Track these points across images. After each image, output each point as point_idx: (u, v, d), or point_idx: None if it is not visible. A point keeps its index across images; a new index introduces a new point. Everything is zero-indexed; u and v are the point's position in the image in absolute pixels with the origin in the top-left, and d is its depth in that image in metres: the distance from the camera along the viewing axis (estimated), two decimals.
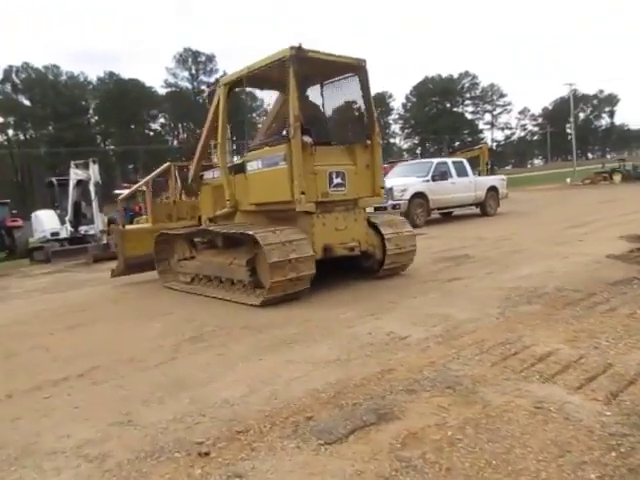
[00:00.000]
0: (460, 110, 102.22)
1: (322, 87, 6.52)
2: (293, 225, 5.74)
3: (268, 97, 7.48)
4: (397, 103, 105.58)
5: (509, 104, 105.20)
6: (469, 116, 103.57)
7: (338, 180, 5.92)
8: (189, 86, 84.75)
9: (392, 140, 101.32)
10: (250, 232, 5.44)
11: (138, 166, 74.70)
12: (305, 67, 5.63)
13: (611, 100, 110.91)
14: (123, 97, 73.57)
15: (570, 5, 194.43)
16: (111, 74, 79.42)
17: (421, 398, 2.87)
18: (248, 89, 7.11)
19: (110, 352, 4.32)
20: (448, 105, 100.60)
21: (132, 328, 5.24)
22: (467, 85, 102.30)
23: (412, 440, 2.42)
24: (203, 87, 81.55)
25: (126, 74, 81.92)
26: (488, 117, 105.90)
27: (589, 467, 2.12)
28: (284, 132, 5.73)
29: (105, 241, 12.87)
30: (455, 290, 5.62)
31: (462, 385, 3.00)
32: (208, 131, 7.18)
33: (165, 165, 8.81)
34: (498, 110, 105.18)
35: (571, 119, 66.22)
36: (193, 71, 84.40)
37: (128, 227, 8.81)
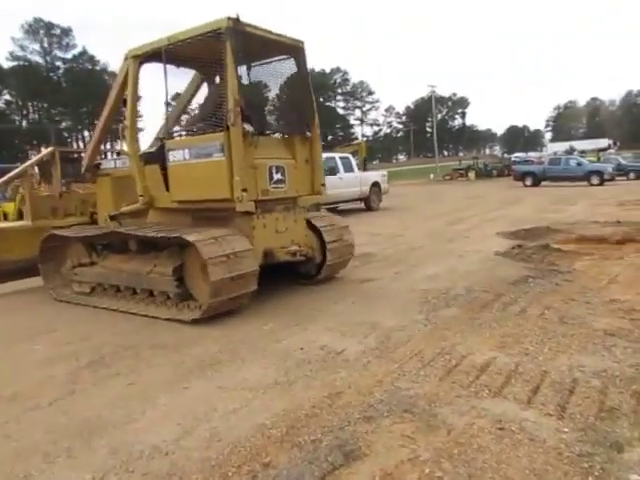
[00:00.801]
0: (332, 105, 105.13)
1: (249, 69, 5.50)
2: (227, 226, 4.98)
3: (173, 77, 6.55)
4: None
5: (377, 101, 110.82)
6: (341, 111, 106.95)
7: (278, 176, 5.25)
8: (41, 61, 75.17)
9: None
10: (189, 238, 4.51)
11: None
12: (241, 43, 4.85)
13: (463, 103, 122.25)
14: None
15: (438, 12, 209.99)
16: None
17: (382, 427, 2.67)
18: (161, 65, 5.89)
19: None
20: (321, 99, 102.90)
21: (5, 353, 4.31)
22: (339, 81, 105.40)
23: None
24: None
25: None
26: (358, 113, 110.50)
27: None
28: (214, 118, 4.92)
29: None
30: (372, 293, 5.56)
31: (419, 407, 2.86)
32: (109, 111, 6.10)
33: (47, 150, 7.37)
34: (367, 106, 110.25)
35: (433, 119, 71.85)
36: (46, 44, 74.96)
37: (1, 225, 7.22)
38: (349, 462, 2.36)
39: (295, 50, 5.62)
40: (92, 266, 5.89)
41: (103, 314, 5.33)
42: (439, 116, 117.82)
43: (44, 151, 7.44)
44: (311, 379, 3.31)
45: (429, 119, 76.33)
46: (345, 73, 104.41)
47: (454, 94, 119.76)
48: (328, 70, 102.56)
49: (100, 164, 6.60)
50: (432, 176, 41.18)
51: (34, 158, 7.27)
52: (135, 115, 5.71)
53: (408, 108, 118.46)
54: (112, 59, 77.65)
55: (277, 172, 5.23)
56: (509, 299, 5.03)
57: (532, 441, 2.49)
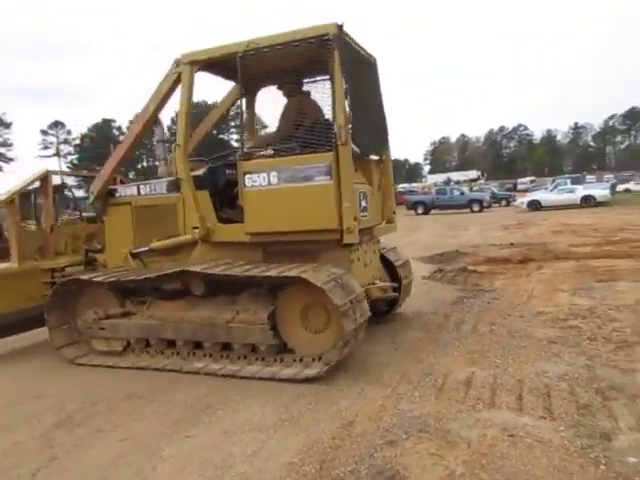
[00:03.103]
0: (226, 137, 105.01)
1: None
2: (315, 261, 4.33)
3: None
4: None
5: None
6: (235, 144, 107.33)
7: (363, 203, 4.56)
8: None
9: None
10: (314, 281, 3.76)
11: None
12: (345, 53, 4.19)
13: None
14: None
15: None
16: None
17: (407, 449, 2.79)
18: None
19: None
20: (215, 131, 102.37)
21: None
22: (232, 114, 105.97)
23: None
24: None
25: None
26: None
27: None
28: (316, 137, 4.22)
29: None
30: None
31: (430, 426, 3.02)
32: (143, 126, 5.12)
33: (39, 172, 5.74)
34: None
35: None
36: None
37: None
38: None
39: (374, 65, 5.11)
40: (127, 317, 4.78)
41: (52, 367, 4.77)
42: None
43: (34, 174, 5.77)
44: (316, 412, 3.33)
45: None
46: (238, 106, 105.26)
47: None
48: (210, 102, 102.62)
49: (115, 190, 5.43)
50: None
51: (21, 182, 5.64)
52: (188, 131, 4.89)
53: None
54: None
55: (363, 198, 4.57)
56: (457, 319, 5.46)
57: (541, 442, 2.77)
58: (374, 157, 5.10)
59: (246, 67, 4.36)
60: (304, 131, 4.33)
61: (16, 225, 5.33)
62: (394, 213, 5.42)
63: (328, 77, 4.31)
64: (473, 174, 66.66)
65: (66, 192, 6.94)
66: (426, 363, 4.11)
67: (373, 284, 4.82)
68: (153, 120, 5.17)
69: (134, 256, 5.12)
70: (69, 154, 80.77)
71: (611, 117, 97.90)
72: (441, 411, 3.22)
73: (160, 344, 4.60)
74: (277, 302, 4.18)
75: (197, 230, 4.65)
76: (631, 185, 42.63)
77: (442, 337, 4.83)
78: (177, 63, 4.75)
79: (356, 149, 4.30)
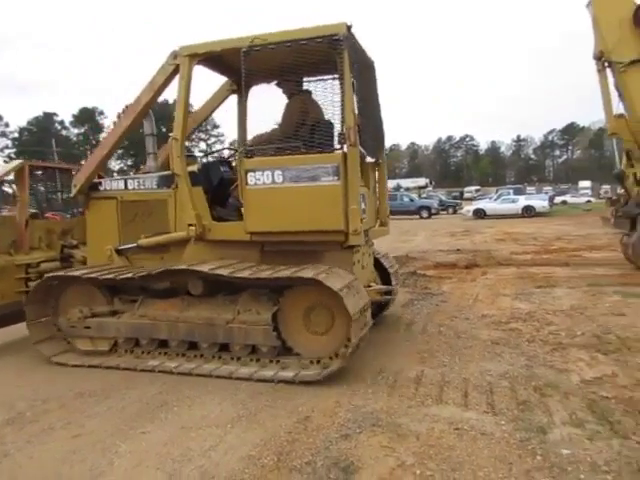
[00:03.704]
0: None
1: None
2: (318, 262, 4.27)
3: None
4: (108, 121, 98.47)
5: (222, 135, 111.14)
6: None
7: (363, 205, 4.48)
8: None
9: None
10: (333, 286, 3.68)
11: None
12: (353, 54, 4.16)
13: None
14: None
15: None
16: None
17: (360, 442, 2.92)
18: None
19: None
20: (164, 129, 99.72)
21: None
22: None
23: None
24: None
25: None
26: (203, 145, 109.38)
27: (534, 473, 2.58)
28: (324, 137, 4.20)
29: None
30: None
31: (382, 420, 3.18)
32: (134, 119, 4.93)
33: (15, 164, 5.50)
34: (212, 140, 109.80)
35: None
36: None
37: None
38: (349, 476, 2.57)
39: (374, 68, 5.08)
40: (116, 316, 4.62)
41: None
42: None
43: (10, 164, 5.53)
44: (273, 408, 3.41)
45: None
46: (190, 106, 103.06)
47: None
48: (171, 101, 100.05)
49: (99, 184, 5.18)
50: None
51: None
52: (185, 126, 4.72)
53: (232, 144, 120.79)
54: None
55: (362, 201, 4.44)
56: (408, 320, 5.69)
57: (484, 435, 2.98)
58: (370, 159, 5.07)
59: (249, 63, 4.24)
60: (309, 130, 4.28)
61: None
62: (388, 216, 5.47)
63: (332, 77, 4.30)
64: (422, 181, 68.42)
65: (6, 188, 6.65)
66: (379, 362, 4.28)
67: (369, 287, 4.85)
68: (144, 113, 5.04)
69: (119, 253, 4.95)
70: (6, 147, 76.45)
71: (550, 132, 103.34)
72: (393, 406, 3.38)
73: (151, 344, 4.48)
74: (280, 303, 4.13)
75: (193, 227, 4.52)
76: (568, 198, 45.29)
77: (394, 337, 5.02)
78: (174, 55, 4.62)
79: (362, 150, 4.31)
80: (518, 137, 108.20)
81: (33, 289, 4.66)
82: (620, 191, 10.26)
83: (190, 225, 4.52)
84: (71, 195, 5.23)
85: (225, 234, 4.56)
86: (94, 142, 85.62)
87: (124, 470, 2.70)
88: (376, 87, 5.13)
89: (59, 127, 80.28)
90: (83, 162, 5.75)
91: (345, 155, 4.07)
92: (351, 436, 2.98)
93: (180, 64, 4.57)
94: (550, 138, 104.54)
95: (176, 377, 4.06)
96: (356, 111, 4.12)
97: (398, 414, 3.27)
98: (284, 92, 4.81)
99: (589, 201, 41.95)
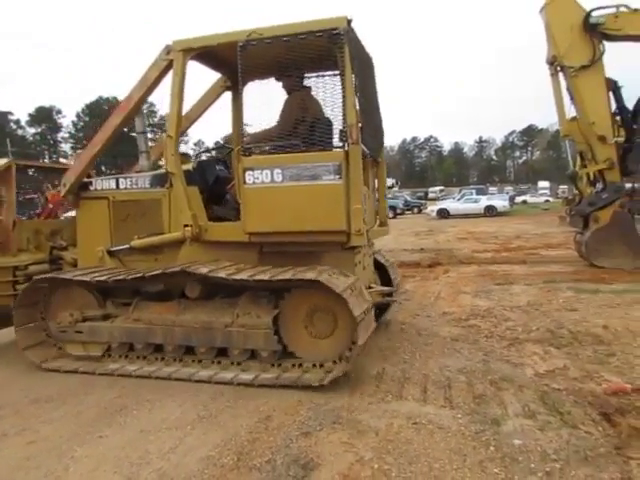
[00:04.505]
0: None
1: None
2: (318, 263, 4.17)
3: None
4: (67, 120, 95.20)
5: (186, 135, 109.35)
6: (150, 143, 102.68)
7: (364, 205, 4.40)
8: None
9: (63, 160, 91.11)
10: (336, 289, 3.57)
11: None
12: (354, 49, 4.04)
13: None
14: None
15: None
16: None
17: (321, 439, 2.95)
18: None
19: None
20: (126, 129, 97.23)
21: None
22: (145, 112, 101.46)
23: None
24: None
25: None
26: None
27: (487, 463, 2.67)
28: (324, 135, 4.08)
29: None
30: None
31: (343, 418, 3.22)
32: (126, 116, 4.73)
33: (2, 162, 5.26)
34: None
35: None
36: None
37: None
38: (308, 473, 2.60)
39: (372, 63, 4.96)
40: (109, 320, 4.44)
41: None
42: None
43: None
44: (234, 409, 3.41)
45: None
46: (151, 105, 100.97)
47: None
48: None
49: (90, 183, 5.02)
50: None
51: None
52: (180, 123, 4.53)
53: (217, 143, 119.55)
54: None
55: (363, 200, 4.31)
56: None
57: (441, 429, 3.06)
58: (369, 158, 4.90)
59: (246, 58, 4.10)
60: (309, 128, 4.17)
61: None
62: (387, 216, 5.38)
63: (332, 73, 4.24)
64: (389, 182, 69.10)
65: None
66: None
67: (370, 288, 4.78)
68: (136, 110, 4.86)
69: (111, 254, 4.81)
70: None
71: (511, 133, 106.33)
72: (354, 404, 3.43)
73: (146, 349, 4.32)
74: (281, 306, 4.01)
75: (189, 228, 4.37)
76: (528, 197, 46.73)
77: None
78: (168, 50, 4.45)
79: (364, 149, 4.22)
80: (480, 138, 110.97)
81: (22, 292, 4.45)
82: (576, 191, 10.68)
83: (186, 226, 4.39)
84: (61, 194, 5.05)
85: (222, 235, 4.43)
86: (52, 142, 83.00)
87: (80, 475, 2.65)
88: (375, 83, 5.00)
89: (14, 126, 77.37)
90: (69, 161, 5.54)
91: (347, 153, 3.97)
92: (312, 433, 3.01)
93: (174, 59, 4.41)
94: (510, 139, 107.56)
95: (136, 381, 4.00)
96: (357, 108, 4.00)
97: (359, 411, 3.32)
98: (284, 87, 4.68)
99: (547, 201, 43.45)
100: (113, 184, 4.92)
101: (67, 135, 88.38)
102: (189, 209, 4.40)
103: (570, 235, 10.95)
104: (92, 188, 5.00)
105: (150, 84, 4.59)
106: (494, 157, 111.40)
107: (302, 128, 4.20)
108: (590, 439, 2.85)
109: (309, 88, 4.56)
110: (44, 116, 79.02)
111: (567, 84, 8.86)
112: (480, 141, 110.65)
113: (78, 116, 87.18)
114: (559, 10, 8.58)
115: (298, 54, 4.08)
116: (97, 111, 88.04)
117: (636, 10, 8.33)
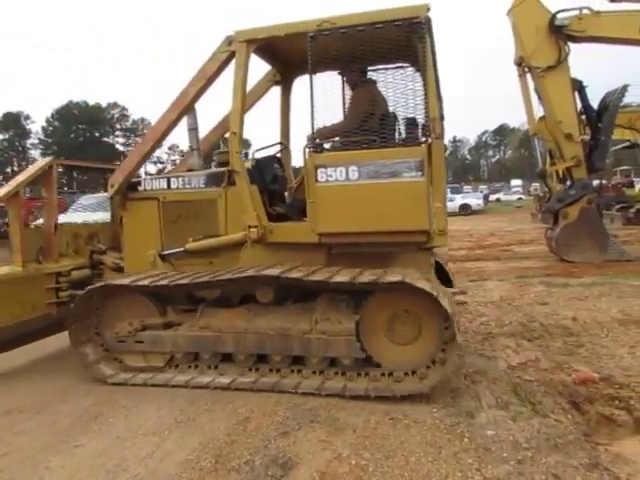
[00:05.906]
0: (111, 141, 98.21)
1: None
2: (390, 265, 3.92)
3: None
4: (37, 126, 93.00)
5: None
6: (120, 147, 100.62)
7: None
8: None
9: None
10: (411, 281, 3.37)
11: None
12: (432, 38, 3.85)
13: None
14: None
15: None
16: None
17: (299, 438, 2.98)
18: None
19: None
20: (97, 134, 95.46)
21: None
22: (117, 116, 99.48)
23: (331, 479, 2.54)
24: None
25: None
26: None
27: (461, 454, 2.73)
28: (407, 129, 3.93)
29: None
30: None
31: (321, 416, 3.25)
32: (181, 111, 4.48)
33: (42, 162, 4.88)
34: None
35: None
36: None
37: None
38: (287, 472, 2.62)
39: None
40: (171, 328, 4.11)
41: None
42: None
43: (38, 163, 4.94)
44: (212, 412, 3.40)
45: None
46: (124, 109, 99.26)
47: None
48: (104, 104, 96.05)
49: (139, 184, 4.76)
50: None
51: (27, 173, 4.77)
52: (243, 119, 4.22)
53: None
54: None
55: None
56: None
57: (417, 423, 3.12)
58: None
59: (316, 49, 3.81)
60: (379, 122, 3.95)
61: (20, 223, 4.49)
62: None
63: (398, 65, 4.12)
64: None
65: None
66: None
67: None
68: (192, 105, 4.61)
69: (163, 258, 4.55)
70: None
71: (484, 132, 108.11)
72: (331, 402, 3.46)
73: (212, 359, 4.04)
74: (362, 310, 3.74)
75: (254, 229, 4.13)
76: (501, 195, 47.57)
77: None
78: (229, 41, 4.21)
79: (445, 143, 4.06)
80: (454, 138, 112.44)
81: (75, 306, 4.09)
82: (546, 189, 10.96)
83: (251, 227, 4.15)
84: (108, 196, 4.87)
85: (289, 236, 4.18)
86: (20, 148, 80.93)
87: None
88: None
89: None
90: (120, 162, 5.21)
91: (430, 148, 3.77)
92: (290, 433, 3.03)
93: (236, 50, 4.15)
94: (483, 139, 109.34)
95: (111, 388, 3.96)
96: (437, 101, 3.85)
97: (337, 409, 3.35)
98: (348, 82, 4.50)
99: (520, 198, 44.26)
100: (164, 184, 4.67)
101: (37, 141, 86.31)
102: (254, 209, 4.18)
103: (542, 231, 11.23)
104: (141, 188, 4.75)
105: (208, 78, 4.34)
106: (468, 156, 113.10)
107: (372, 123, 3.97)
108: (560, 427, 2.94)
109: (374, 82, 4.35)
110: (11, 122, 77.04)
111: (535, 84, 9.09)
112: (454, 141, 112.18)
113: (48, 122, 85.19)
114: (525, 12, 8.81)
115: (371, 44, 3.82)
116: (67, 116, 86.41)
117: (598, 12, 8.61)
